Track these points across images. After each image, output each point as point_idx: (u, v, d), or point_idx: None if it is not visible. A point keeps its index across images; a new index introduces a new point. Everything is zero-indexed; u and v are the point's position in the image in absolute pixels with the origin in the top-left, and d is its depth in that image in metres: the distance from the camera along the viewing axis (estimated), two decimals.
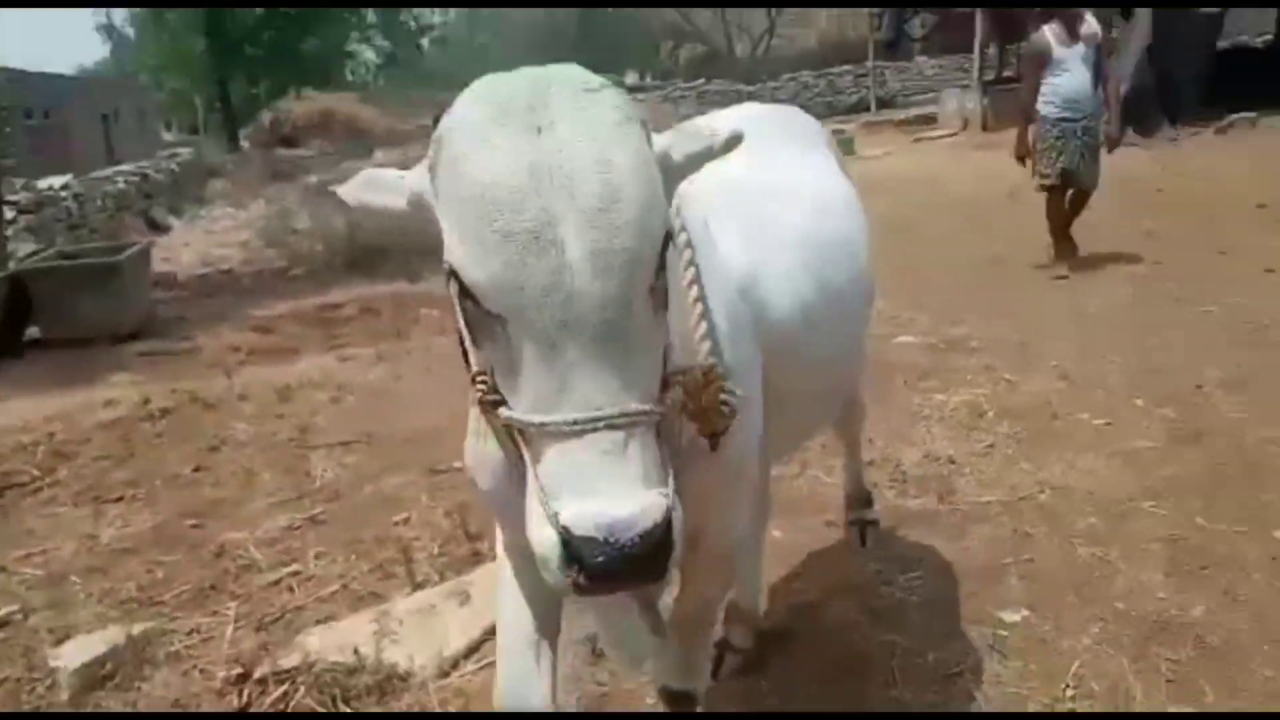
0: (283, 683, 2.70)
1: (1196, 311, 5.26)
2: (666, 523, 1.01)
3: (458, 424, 4.56)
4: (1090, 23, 6.18)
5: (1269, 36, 19.48)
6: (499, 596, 1.74)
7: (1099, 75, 6.16)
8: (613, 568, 0.99)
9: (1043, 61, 6.17)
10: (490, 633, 2.86)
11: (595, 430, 1.01)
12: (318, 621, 3.02)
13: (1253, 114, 13.25)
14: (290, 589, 3.28)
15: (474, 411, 1.44)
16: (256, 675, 2.74)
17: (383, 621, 2.82)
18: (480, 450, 1.47)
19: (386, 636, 2.75)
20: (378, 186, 1.21)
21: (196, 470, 4.36)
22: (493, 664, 2.69)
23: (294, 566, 3.42)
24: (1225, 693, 2.32)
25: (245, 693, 2.70)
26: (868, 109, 19.43)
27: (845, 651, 2.65)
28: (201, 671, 2.86)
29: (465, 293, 1.06)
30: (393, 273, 8.50)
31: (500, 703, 1.70)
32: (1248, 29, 22.06)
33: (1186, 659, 2.46)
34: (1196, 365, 4.38)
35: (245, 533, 3.70)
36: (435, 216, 1.12)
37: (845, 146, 7.81)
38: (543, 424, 1.03)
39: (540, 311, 1.01)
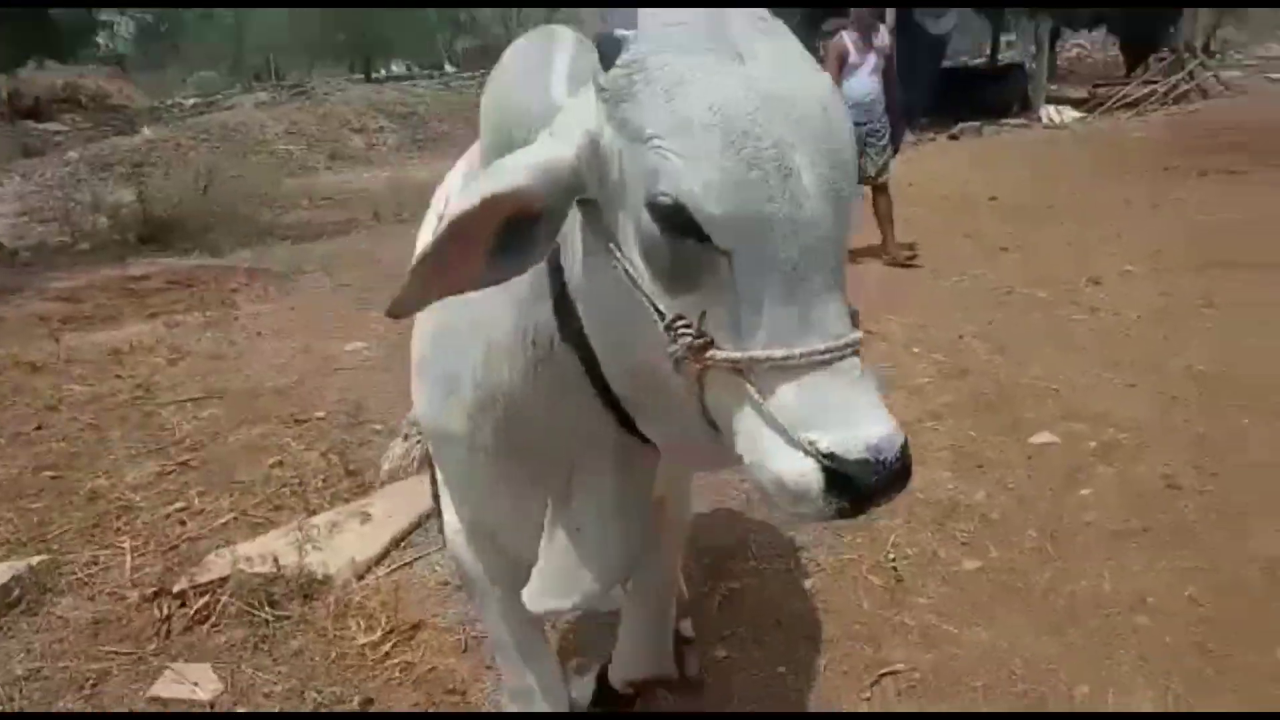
0: (204, 595, 2.89)
1: (951, 281, 6.21)
2: (905, 440, 1.00)
3: (309, 380, 4.69)
4: (883, 34, 6.64)
5: (984, 59, 22.10)
6: (490, 606, 1.77)
7: (887, 82, 6.57)
8: (883, 486, 0.97)
9: (842, 62, 6.42)
10: (394, 543, 3.19)
11: (843, 358, 0.99)
12: (218, 547, 3.20)
13: (977, 123, 15.17)
14: (181, 522, 3.41)
15: (466, 375, 1.40)
16: (175, 590, 2.92)
17: (304, 529, 3.06)
18: (487, 412, 1.40)
19: (309, 543, 3.00)
20: (529, 155, 1.06)
21: (38, 429, 4.29)
22: (403, 567, 3.07)
23: (178, 504, 3.54)
24: (1003, 549, 3.00)
25: (164, 606, 2.87)
26: None
27: (712, 538, 3.15)
28: (111, 594, 2.98)
29: (680, 230, 0.97)
30: (189, 246, 8.34)
31: (537, 688, 1.83)
32: (969, 51, 24.83)
33: (974, 530, 3.13)
34: (956, 322, 5.23)
35: (113, 480, 3.77)
36: (612, 158, 1.03)
37: None
38: (786, 357, 0.97)
39: (785, 241, 0.96)
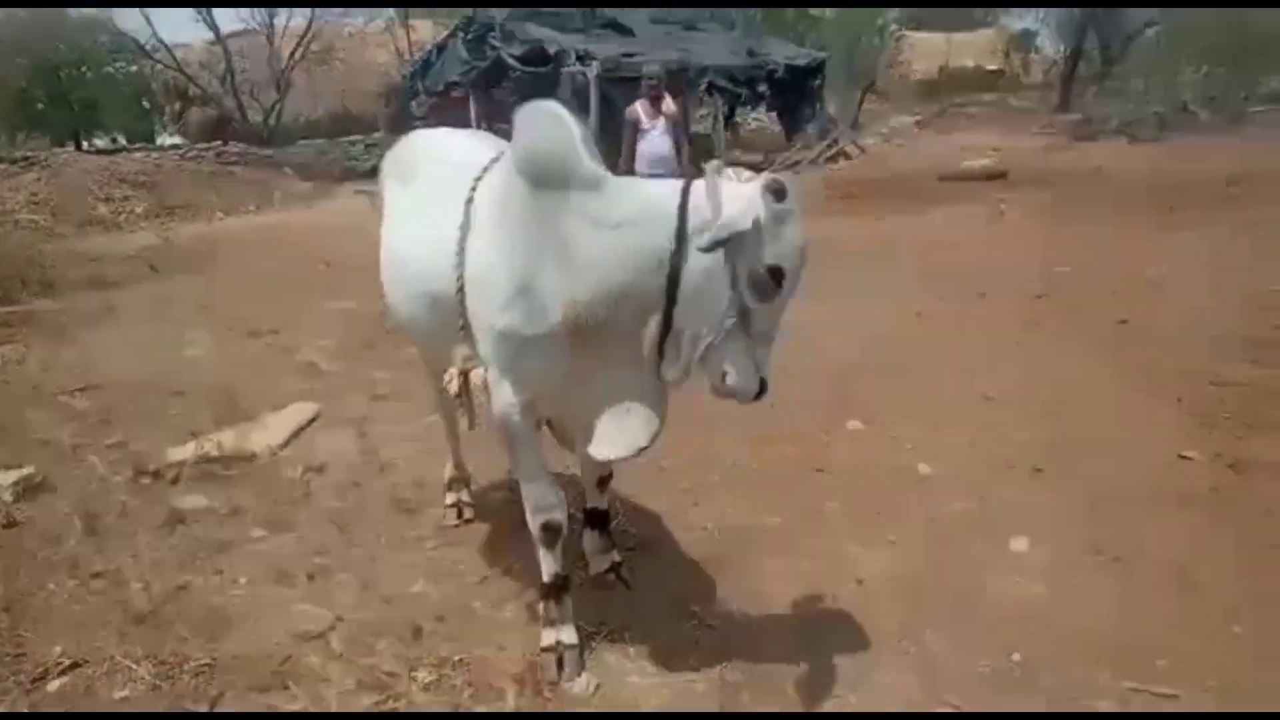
0: (172, 469, 4.52)
1: None
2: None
3: (168, 372, 6.09)
4: (669, 103, 7.56)
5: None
6: (525, 453, 2.72)
7: (676, 144, 7.54)
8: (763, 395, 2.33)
9: (635, 129, 7.48)
10: (291, 437, 4.94)
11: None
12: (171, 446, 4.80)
13: None
14: (122, 445, 4.95)
15: (549, 322, 2.43)
16: (150, 469, 4.53)
17: (241, 427, 4.79)
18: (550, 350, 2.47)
19: (239, 430, 4.73)
20: (736, 218, 2.18)
21: None
22: (303, 446, 4.81)
23: (114, 438, 5.07)
24: None
25: (150, 477, 4.47)
26: None
27: None
28: (100, 481, 4.50)
29: (772, 276, 2.22)
30: None
31: (552, 503, 2.77)
32: None
33: None
34: None
35: (51, 434, 5.20)
36: (763, 238, 2.19)
37: None
38: (771, 336, 2.34)
39: (791, 290, 2.28)
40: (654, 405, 2.56)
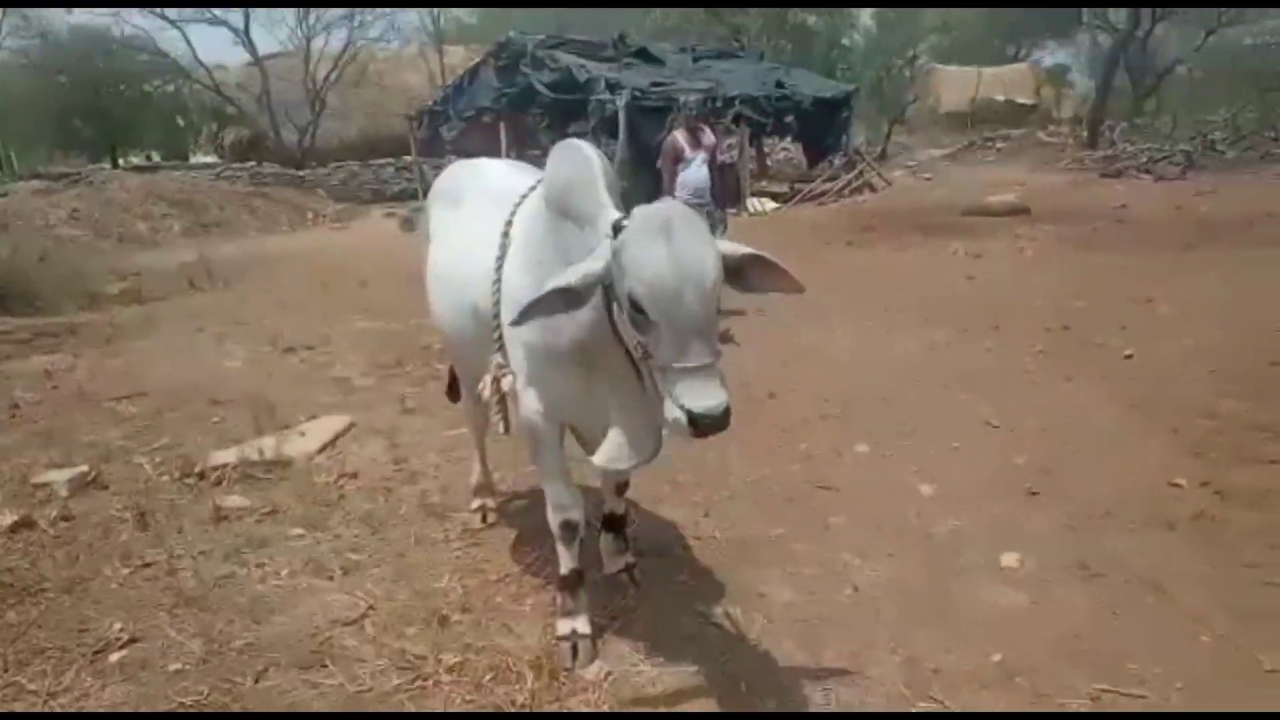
0: (217, 471, 4.80)
1: None
2: (729, 407, 2.18)
3: (208, 381, 6.56)
4: (708, 135, 8.01)
5: None
6: (547, 456, 2.99)
7: (712, 172, 7.91)
8: (713, 427, 2.16)
9: (677, 157, 7.83)
10: (326, 445, 5.22)
11: (702, 369, 2.18)
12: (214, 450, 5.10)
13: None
14: (168, 448, 5.26)
15: (564, 337, 2.60)
16: (197, 470, 4.82)
17: (274, 434, 5.07)
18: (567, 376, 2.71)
19: (278, 438, 5.01)
20: (587, 266, 2.31)
21: (13, 416, 5.93)
22: (335, 455, 5.11)
23: (162, 441, 5.38)
24: None
25: (195, 478, 4.76)
26: (414, 197, 22.34)
27: None
28: (146, 484, 4.78)
29: (636, 309, 2.17)
30: (29, 311, 9.65)
31: (570, 503, 3.04)
32: None
33: None
34: None
35: (99, 436, 5.52)
36: (617, 272, 2.23)
37: None
38: (677, 367, 2.16)
39: (674, 324, 2.15)
40: (653, 424, 2.63)
